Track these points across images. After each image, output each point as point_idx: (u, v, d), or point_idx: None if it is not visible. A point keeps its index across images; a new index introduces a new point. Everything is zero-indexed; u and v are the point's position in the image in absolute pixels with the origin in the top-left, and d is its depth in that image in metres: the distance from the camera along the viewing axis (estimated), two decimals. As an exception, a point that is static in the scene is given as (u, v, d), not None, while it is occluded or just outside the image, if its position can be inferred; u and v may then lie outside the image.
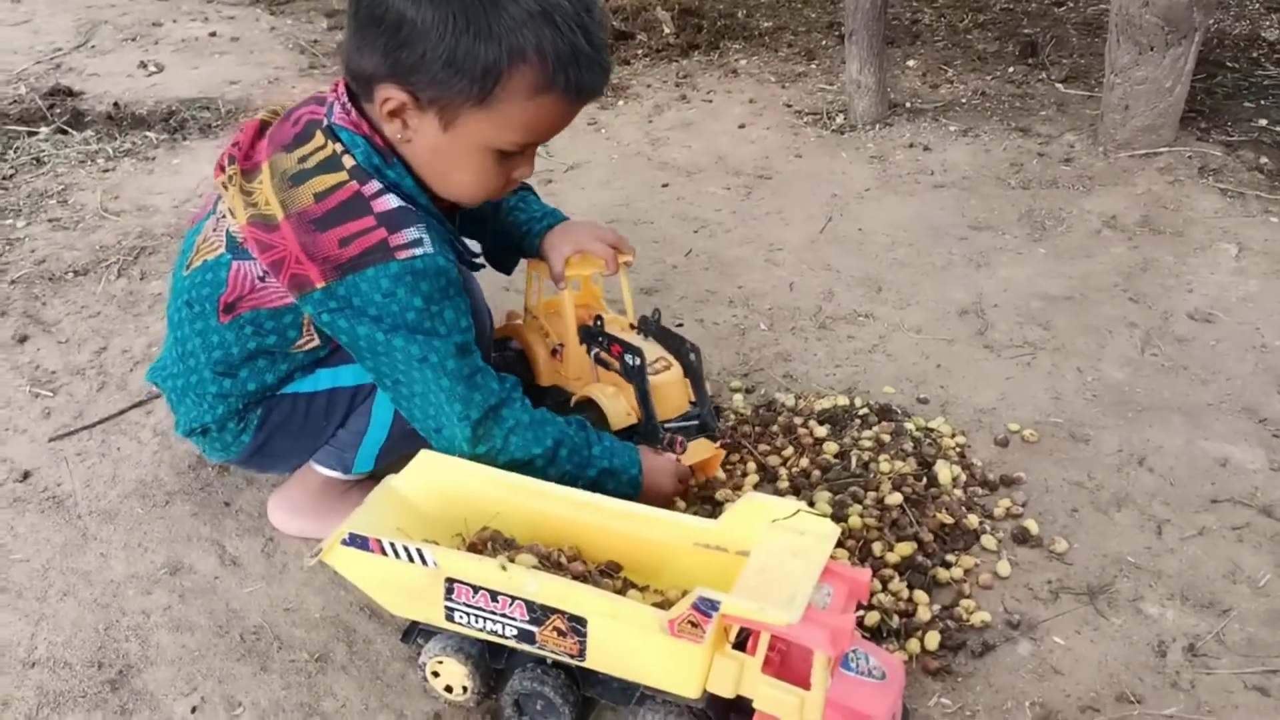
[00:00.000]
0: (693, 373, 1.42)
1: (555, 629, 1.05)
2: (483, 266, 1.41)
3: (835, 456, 1.51)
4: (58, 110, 2.83)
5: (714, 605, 0.96)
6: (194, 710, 1.19)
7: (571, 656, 1.07)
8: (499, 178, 1.25)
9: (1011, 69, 3.06)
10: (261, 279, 1.24)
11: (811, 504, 1.41)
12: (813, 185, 2.44)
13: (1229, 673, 1.20)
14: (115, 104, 2.91)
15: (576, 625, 1.04)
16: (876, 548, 1.35)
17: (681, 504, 1.41)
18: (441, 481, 1.21)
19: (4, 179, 2.48)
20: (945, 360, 1.79)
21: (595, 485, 1.26)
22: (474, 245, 1.41)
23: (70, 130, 2.73)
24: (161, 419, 1.66)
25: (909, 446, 1.52)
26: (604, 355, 1.45)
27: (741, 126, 2.77)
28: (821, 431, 1.56)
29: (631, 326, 1.50)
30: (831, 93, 2.93)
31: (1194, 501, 1.46)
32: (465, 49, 1.11)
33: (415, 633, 1.18)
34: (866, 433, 1.55)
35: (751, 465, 1.51)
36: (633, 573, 1.19)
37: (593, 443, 1.29)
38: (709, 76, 3.12)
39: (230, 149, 1.29)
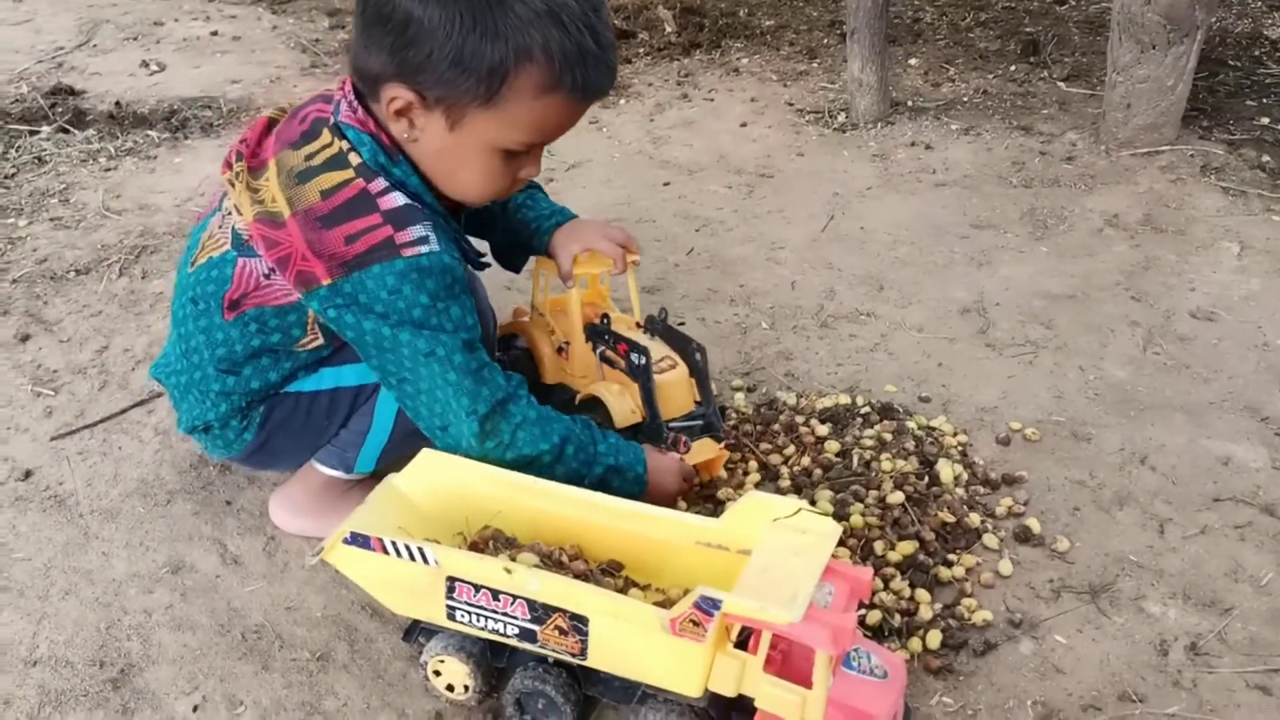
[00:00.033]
0: (698, 372, 1.42)
1: (557, 628, 1.05)
2: (488, 266, 1.41)
3: (837, 455, 1.51)
4: (59, 109, 2.83)
5: (716, 604, 0.96)
6: (195, 709, 1.19)
7: (573, 655, 1.07)
8: (505, 177, 1.25)
9: (1013, 67, 3.06)
10: (267, 276, 1.24)
11: (813, 503, 1.41)
12: (814, 184, 2.44)
13: (1231, 672, 1.20)
14: (117, 103, 2.91)
15: (578, 624, 1.04)
16: (878, 546, 1.35)
17: (683, 503, 1.41)
18: (443, 480, 1.21)
19: (6, 178, 2.48)
20: (947, 359, 1.79)
21: (601, 483, 1.26)
22: (479, 245, 1.41)
23: (72, 129, 2.73)
24: (163, 418, 1.66)
25: (911, 445, 1.52)
26: (610, 354, 1.45)
27: (743, 125, 2.77)
28: (823, 430, 1.56)
29: (638, 325, 1.50)
30: (833, 91, 2.93)
31: (1196, 500, 1.46)
32: (472, 48, 1.11)
33: (417, 631, 1.18)
34: (868, 431, 1.55)
35: (753, 464, 1.51)
36: (634, 571, 1.19)
37: (598, 440, 1.29)
38: (710, 75, 3.12)
39: (238, 145, 1.29)
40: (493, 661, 1.15)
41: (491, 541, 1.17)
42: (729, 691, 1.02)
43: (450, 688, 1.16)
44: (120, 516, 1.47)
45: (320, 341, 1.29)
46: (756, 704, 1.02)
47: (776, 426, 1.58)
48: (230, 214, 1.28)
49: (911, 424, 1.58)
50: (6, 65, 3.23)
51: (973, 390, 1.70)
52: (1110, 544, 1.39)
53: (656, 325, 1.46)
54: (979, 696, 1.18)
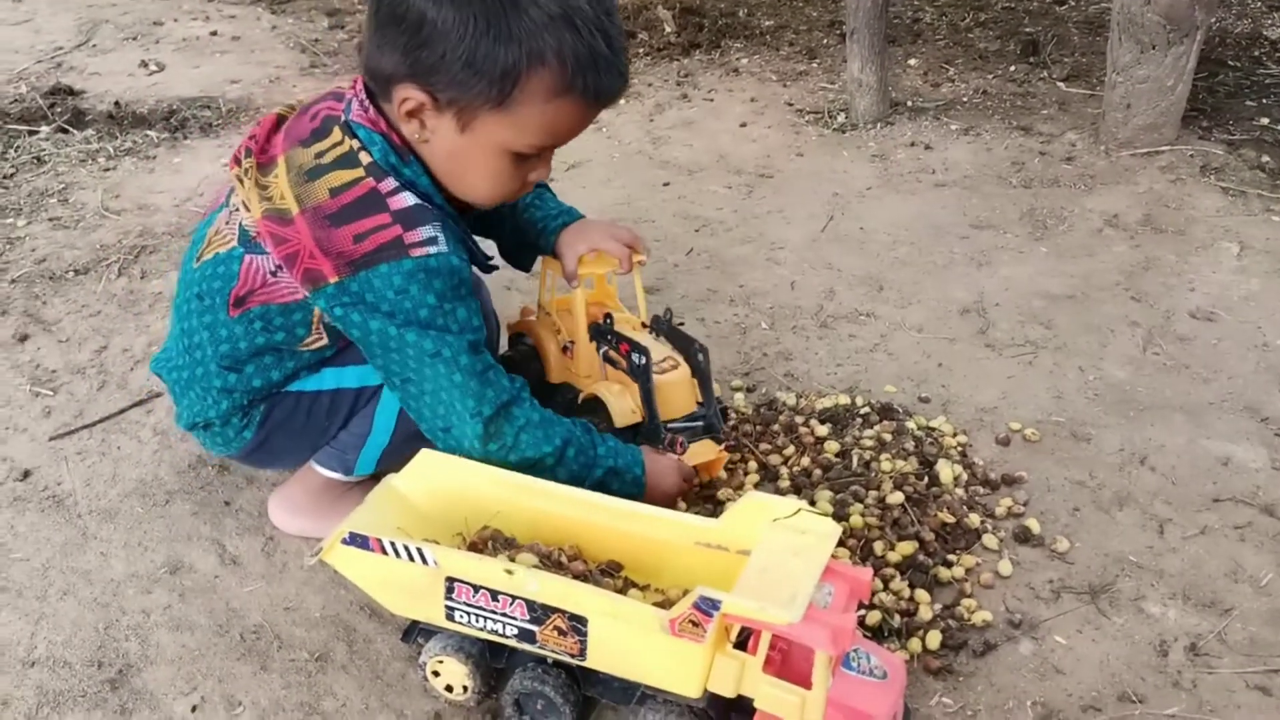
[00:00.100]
0: (700, 374, 1.42)
1: (556, 628, 1.05)
2: (496, 269, 1.41)
3: (836, 455, 1.51)
4: (58, 109, 2.83)
5: (715, 604, 0.96)
6: (194, 709, 1.19)
7: (572, 656, 1.07)
8: (515, 179, 1.25)
9: (1013, 68, 3.06)
10: (274, 274, 1.24)
11: (813, 503, 1.41)
12: (814, 184, 2.44)
13: (1231, 672, 1.20)
14: (116, 103, 2.91)
15: (577, 624, 1.04)
16: (878, 547, 1.34)
17: (683, 504, 1.41)
18: (442, 481, 1.21)
19: (5, 178, 2.48)
20: (947, 359, 1.79)
21: (600, 485, 1.26)
22: (488, 247, 1.41)
23: (71, 129, 2.73)
24: (161, 418, 1.66)
25: (910, 445, 1.52)
26: (612, 353, 1.45)
27: (743, 125, 2.77)
28: (823, 430, 1.55)
29: (643, 325, 1.50)
30: (833, 91, 2.93)
31: (1196, 500, 1.46)
32: (485, 51, 1.11)
33: (415, 632, 1.17)
34: (868, 432, 1.55)
35: (752, 464, 1.51)
36: (633, 572, 1.19)
37: (598, 443, 1.29)
38: (710, 75, 3.12)
39: (247, 142, 1.29)
40: (492, 662, 1.14)
41: (490, 542, 1.16)
42: (728, 692, 1.01)
43: (449, 688, 1.16)
44: (119, 517, 1.47)
45: (324, 342, 1.29)
46: (756, 704, 1.02)
47: (776, 427, 1.58)
48: (238, 210, 1.28)
49: (911, 424, 1.58)
50: (6, 65, 3.23)
51: (972, 390, 1.70)
52: (1110, 544, 1.38)
53: (661, 325, 1.46)
54: (979, 697, 1.18)
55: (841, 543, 1.34)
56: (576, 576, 1.11)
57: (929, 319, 1.90)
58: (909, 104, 2.82)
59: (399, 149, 1.22)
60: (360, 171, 1.20)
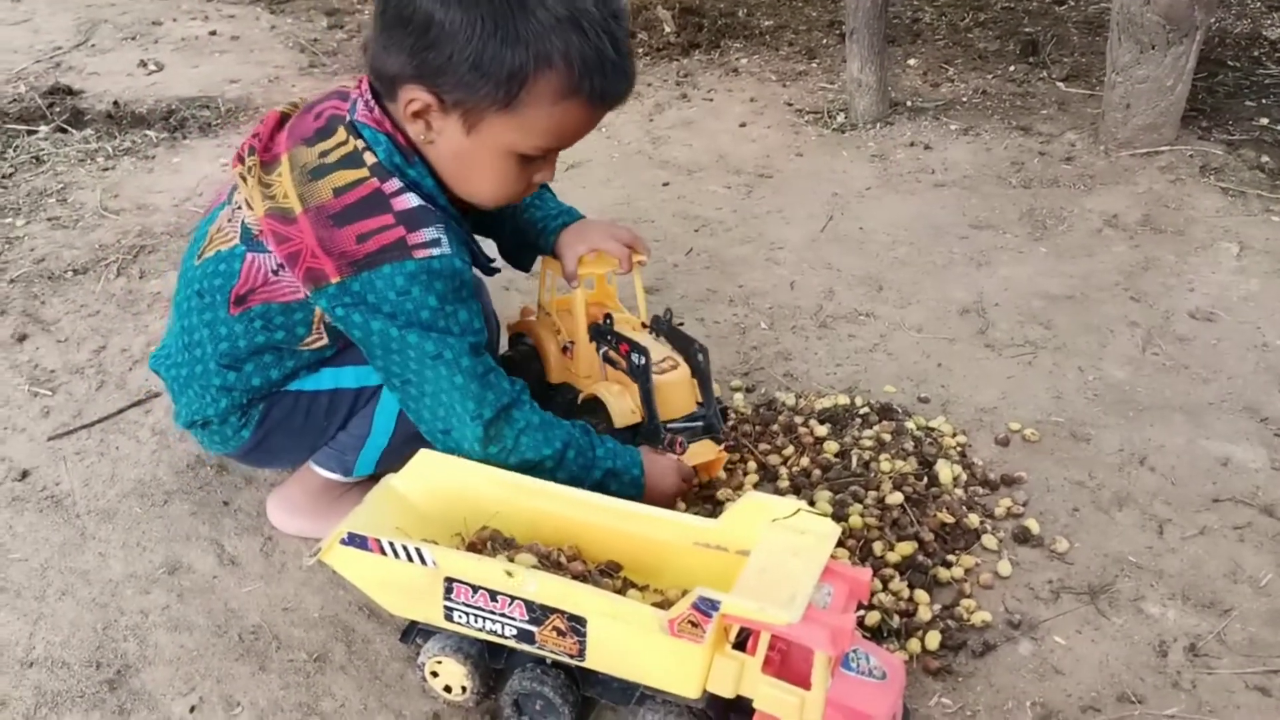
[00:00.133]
0: (700, 374, 1.42)
1: (555, 629, 1.05)
2: (499, 271, 1.41)
3: (836, 456, 1.51)
4: (57, 109, 2.83)
5: (714, 605, 0.96)
6: (192, 710, 1.19)
7: (571, 656, 1.06)
8: (520, 181, 1.25)
9: (1012, 68, 3.05)
10: (275, 272, 1.24)
11: (812, 503, 1.40)
12: (813, 184, 2.44)
13: (1230, 673, 1.20)
14: (115, 103, 2.91)
15: (576, 625, 1.04)
16: (877, 547, 1.34)
17: (682, 504, 1.41)
18: (441, 481, 1.21)
19: (3, 177, 2.48)
20: (946, 359, 1.78)
21: (599, 486, 1.25)
22: (488, 247, 1.41)
23: (70, 129, 2.73)
24: (160, 418, 1.66)
25: (910, 446, 1.52)
26: (612, 354, 1.45)
27: (742, 125, 2.77)
28: (822, 430, 1.55)
29: (643, 325, 1.50)
30: (832, 91, 2.93)
31: (1195, 501, 1.46)
32: (492, 53, 1.11)
33: (414, 632, 1.17)
34: (867, 432, 1.55)
35: (752, 464, 1.51)
36: (633, 572, 1.19)
37: (596, 445, 1.29)
38: (710, 75, 3.12)
39: (250, 140, 1.28)
40: (490, 662, 1.14)
41: (489, 542, 1.16)
42: (727, 692, 1.01)
43: (448, 689, 1.16)
44: (117, 517, 1.47)
45: (325, 342, 1.29)
46: (755, 705, 1.02)
47: (775, 427, 1.58)
48: (240, 208, 1.27)
49: (910, 424, 1.58)
50: (4, 65, 3.23)
51: (972, 391, 1.70)
52: (1109, 545, 1.38)
53: (661, 325, 1.46)
54: (978, 698, 1.18)
55: (841, 543, 1.34)
56: (575, 577, 1.11)
57: (928, 319, 1.90)
58: (908, 104, 2.82)
59: (404, 149, 1.22)
60: (364, 172, 1.20)
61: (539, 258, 1.56)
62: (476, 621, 1.09)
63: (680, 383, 1.42)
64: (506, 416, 1.22)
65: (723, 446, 1.45)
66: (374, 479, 1.27)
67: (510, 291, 1.95)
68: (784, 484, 1.47)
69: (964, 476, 1.48)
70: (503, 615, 1.07)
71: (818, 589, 1.01)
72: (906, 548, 1.33)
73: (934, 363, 1.78)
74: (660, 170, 2.53)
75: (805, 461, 1.50)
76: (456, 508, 1.20)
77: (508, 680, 1.12)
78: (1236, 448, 1.55)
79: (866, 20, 2.57)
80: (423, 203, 1.20)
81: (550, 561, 1.13)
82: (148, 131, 2.73)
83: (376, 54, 1.19)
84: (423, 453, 1.22)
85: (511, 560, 1.10)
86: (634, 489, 1.30)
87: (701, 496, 1.46)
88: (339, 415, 1.35)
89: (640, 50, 3.30)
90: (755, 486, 1.47)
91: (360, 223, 1.18)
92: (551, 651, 1.07)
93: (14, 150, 2.61)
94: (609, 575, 1.16)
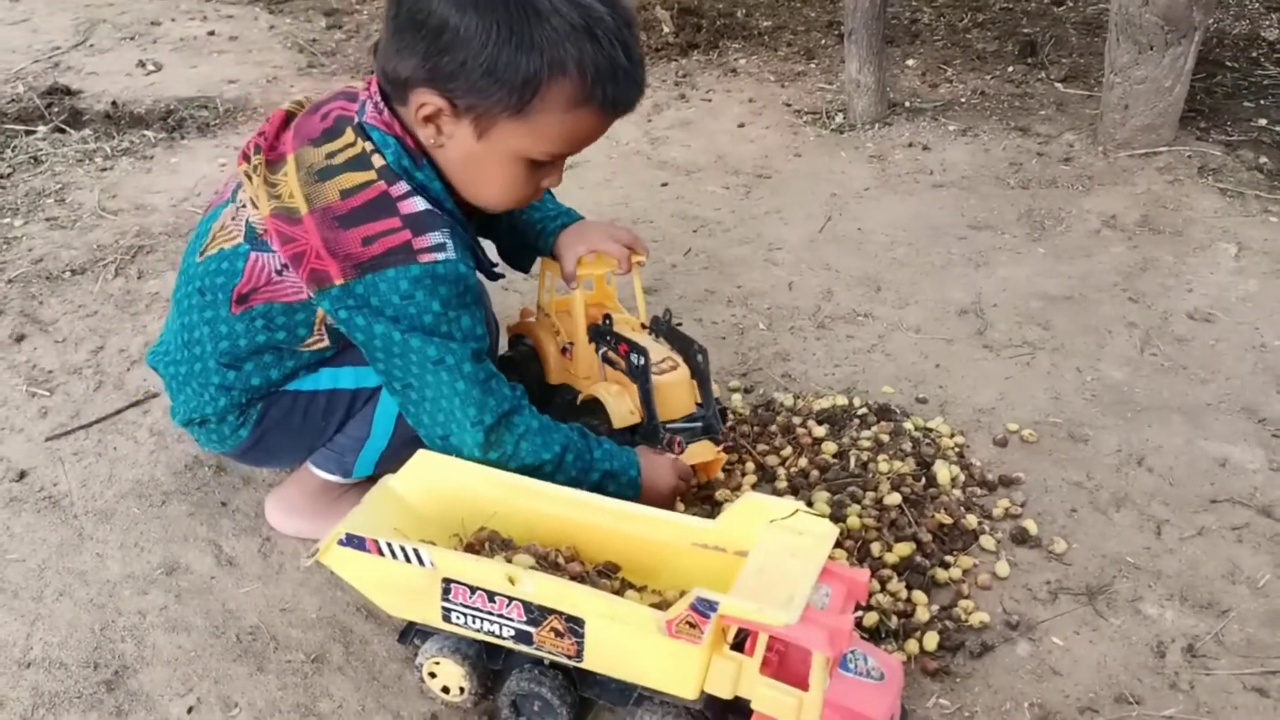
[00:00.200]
0: (699, 374, 1.42)
1: (553, 629, 1.05)
2: (502, 276, 1.41)
3: (834, 456, 1.51)
4: (56, 109, 2.83)
5: (712, 606, 0.96)
6: (190, 711, 1.19)
7: (569, 657, 1.06)
8: (528, 186, 1.26)
9: (1011, 68, 3.06)
10: (279, 272, 1.24)
11: (810, 504, 1.40)
12: (812, 184, 2.44)
13: (1228, 673, 1.20)
14: (113, 103, 2.91)
15: (574, 626, 1.04)
16: (875, 548, 1.34)
17: (682, 504, 1.41)
18: (439, 481, 1.21)
19: (2, 178, 2.48)
20: (944, 360, 1.78)
21: (597, 488, 1.26)
22: (488, 248, 1.41)
23: (68, 129, 2.73)
24: (158, 419, 1.65)
25: (908, 446, 1.52)
26: (611, 354, 1.45)
27: (741, 126, 2.77)
28: (820, 431, 1.55)
29: (643, 326, 1.50)
30: (831, 92, 2.93)
31: (1193, 502, 1.46)
32: (507, 59, 1.11)
33: (412, 633, 1.17)
34: (865, 433, 1.55)
35: (750, 465, 1.51)
36: (631, 573, 1.19)
37: (594, 447, 1.29)
38: (708, 76, 3.12)
39: (255, 138, 1.28)
40: (488, 663, 1.14)
41: (487, 543, 1.16)
42: (725, 693, 1.01)
43: (446, 690, 1.16)
44: (115, 517, 1.47)
45: (325, 343, 1.29)
46: (753, 706, 1.02)
47: (773, 428, 1.58)
48: (244, 207, 1.27)
49: (908, 425, 1.58)
50: (3, 65, 3.22)
51: (970, 391, 1.70)
52: (1107, 545, 1.38)
53: (661, 326, 1.46)
54: (976, 698, 1.18)
55: (839, 544, 1.34)
56: (574, 578, 1.11)
57: (926, 320, 1.90)
58: (907, 104, 2.82)
59: (412, 152, 1.22)
60: (372, 174, 1.20)
61: (538, 259, 1.56)
62: (474, 622, 1.09)
63: (680, 383, 1.42)
64: (507, 422, 1.22)
65: (721, 447, 1.45)
66: (372, 480, 1.27)
67: (510, 292, 1.95)
68: (782, 484, 1.47)
69: (962, 477, 1.48)
70: (500, 616, 1.07)
71: (816, 590, 1.02)
72: (904, 548, 1.33)
73: (932, 363, 1.78)
74: (659, 171, 2.53)
75: (803, 462, 1.50)
76: (454, 508, 1.20)
77: (505, 681, 1.12)
78: (1235, 448, 1.55)
79: (865, 21, 2.57)
80: (429, 207, 1.20)
81: (548, 562, 1.13)
82: (146, 132, 2.73)
83: (387, 57, 1.19)
84: (421, 453, 1.22)
85: (509, 561, 1.10)
86: (631, 489, 1.30)
87: (700, 497, 1.46)
88: (337, 415, 1.34)
89: (639, 51, 3.29)
90: (753, 487, 1.47)
91: (366, 225, 1.18)
92: (549, 652, 1.07)
93: (12, 150, 2.61)
94: (607, 576, 1.16)
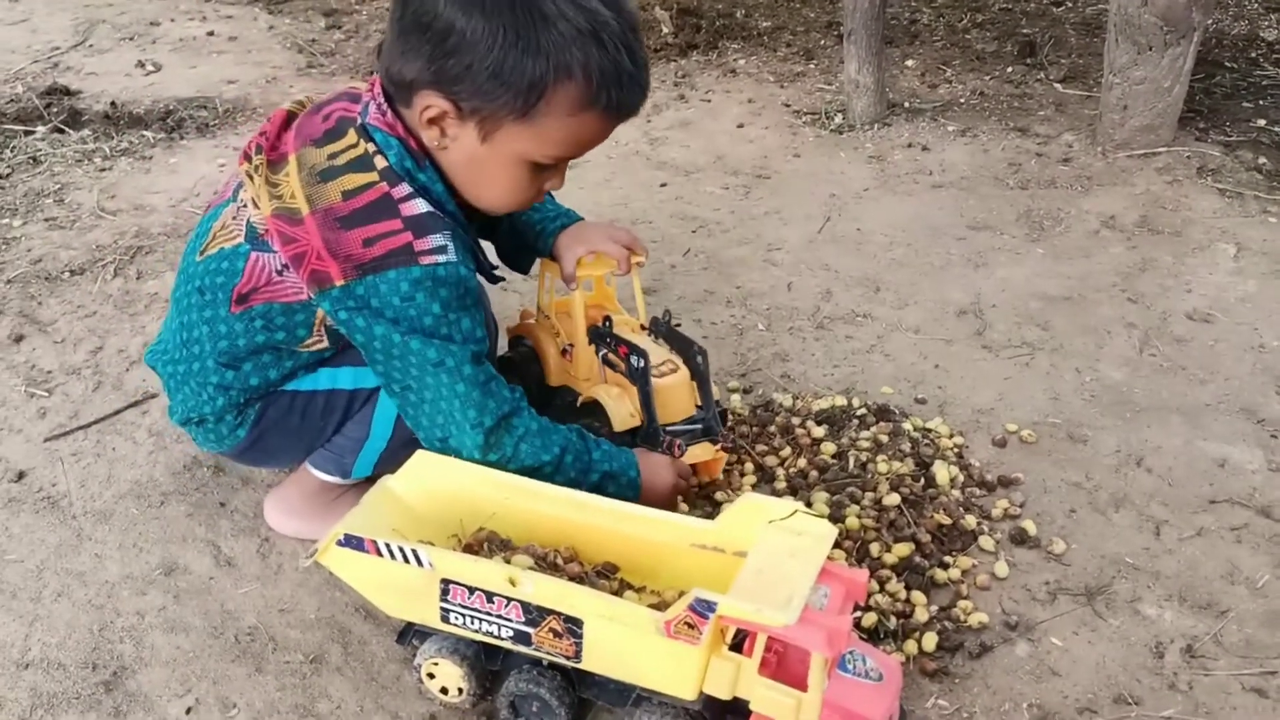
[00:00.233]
0: (699, 376, 1.42)
1: (551, 630, 1.05)
2: (503, 279, 1.41)
3: (833, 457, 1.51)
4: (55, 109, 2.83)
5: (711, 606, 0.96)
6: (188, 711, 1.19)
7: (568, 658, 1.06)
8: (531, 189, 1.26)
9: (1010, 69, 3.06)
10: (279, 273, 1.24)
11: (809, 504, 1.40)
12: (811, 185, 2.44)
13: (1227, 674, 1.20)
14: (112, 103, 2.90)
15: (573, 626, 1.03)
16: (874, 548, 1.34)
17: (684, 505, 1.41)
18: (437, 482, 1.21)
19: (1, 178, 2.47)
20: (943, 360, 1.78)
21: (596, 489, 1.26)
22: (487, 250, 1.41)
23: (67, 129, 2.73)
24: (157, 419, 1.65)
25: (907, 447, 1.52)
26: (611, 356, 1.45)
27: (740, 126, 2.77)
28: (819, 432, 1.55)
29: (642, 328, 1.50)
30: (830, 92, 2.93)
31: (1192, 502, 1.46)
32: (513, 63, 1.11)
33: (410, 634, 1.17)
34: (864, 433, 1.55)
35: (749, 465, 1.51)
36: (629, 574, 1.19)
37: (593, 449, 1.29)
38: (707, 76, 3.12)
39: (257, 138, 1.28)
40: (487, 664, 1.14)
41: (486, 544, 1.16)
42: (724, 694, 1.01)
43: (444, 690, 1.16)
44: (113, 518, 1.46)
45: (324, 344, 1.29)
46: (751, 707, 1.02)
47: (772, 428, 1.58)
48: (245, 206, 1.27)
49: (907, 426, 1.58)
50: (2, 65, 3.22)
51: (969, 392, 1.70)
52: (1106, 546, 1.38)
53: (660, 327, 1.46)
54: (974, 699, 1.18)
55: (838, 544, 1.34)
56: (572, 578, 1.11)
57: (926, 320, 1.90)
58: (906, 105, 2.82)
59: (415, 154, 1.22)
60: (374, 176, 1.20)
61: (537, 260, 1.56)
62: (473, 623, 1.09)
63: (680, 386, 1.42)
64: (507, 424, 1.22)
65: (720, 447, 1.45)
66: (371, 481, 1.27)
67: (509, 293, 1.95)
68: (781, 485, 1.47)
69: (961, 478, 1.48)
70: (499, 617, 1.07)
71: (814, 590, 1.01)
72: (903, 549, 1.33)
73: (931, 364, 1.78)
74: (658, 171, 2.53)
75: (802, 463, 1.50)
76: (453, 509, 1.20)
77: (504, 682, 1.12)
78: (1234, 449, 1.55)
79: (864, 21, 2.57)
80: (431, 209, 1.20)
81: (547, 563, 1.13)
82: (145, 132, 2.73)
83: (392, 59, 1.19)
84: (419, 454, 1.22)
85: (508, 562, 1.10)
86: (630, 490, 1.30)
87: (699, 497, 1.46)
88: (335, 416, 1.34)
89: (638, 51, 3.29)
90: (752, 487, 1.47)
91: (368, 227, 1.18)
92: (548, 653, 1.07)
93: (11, 151, 2.60)
94: (606, 577, 1.16)
